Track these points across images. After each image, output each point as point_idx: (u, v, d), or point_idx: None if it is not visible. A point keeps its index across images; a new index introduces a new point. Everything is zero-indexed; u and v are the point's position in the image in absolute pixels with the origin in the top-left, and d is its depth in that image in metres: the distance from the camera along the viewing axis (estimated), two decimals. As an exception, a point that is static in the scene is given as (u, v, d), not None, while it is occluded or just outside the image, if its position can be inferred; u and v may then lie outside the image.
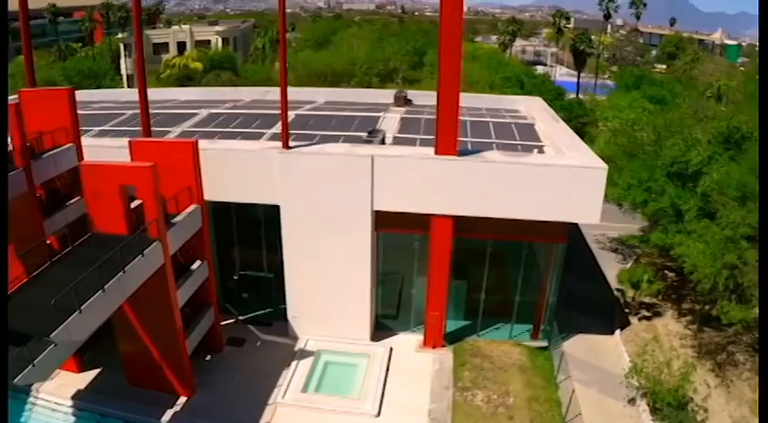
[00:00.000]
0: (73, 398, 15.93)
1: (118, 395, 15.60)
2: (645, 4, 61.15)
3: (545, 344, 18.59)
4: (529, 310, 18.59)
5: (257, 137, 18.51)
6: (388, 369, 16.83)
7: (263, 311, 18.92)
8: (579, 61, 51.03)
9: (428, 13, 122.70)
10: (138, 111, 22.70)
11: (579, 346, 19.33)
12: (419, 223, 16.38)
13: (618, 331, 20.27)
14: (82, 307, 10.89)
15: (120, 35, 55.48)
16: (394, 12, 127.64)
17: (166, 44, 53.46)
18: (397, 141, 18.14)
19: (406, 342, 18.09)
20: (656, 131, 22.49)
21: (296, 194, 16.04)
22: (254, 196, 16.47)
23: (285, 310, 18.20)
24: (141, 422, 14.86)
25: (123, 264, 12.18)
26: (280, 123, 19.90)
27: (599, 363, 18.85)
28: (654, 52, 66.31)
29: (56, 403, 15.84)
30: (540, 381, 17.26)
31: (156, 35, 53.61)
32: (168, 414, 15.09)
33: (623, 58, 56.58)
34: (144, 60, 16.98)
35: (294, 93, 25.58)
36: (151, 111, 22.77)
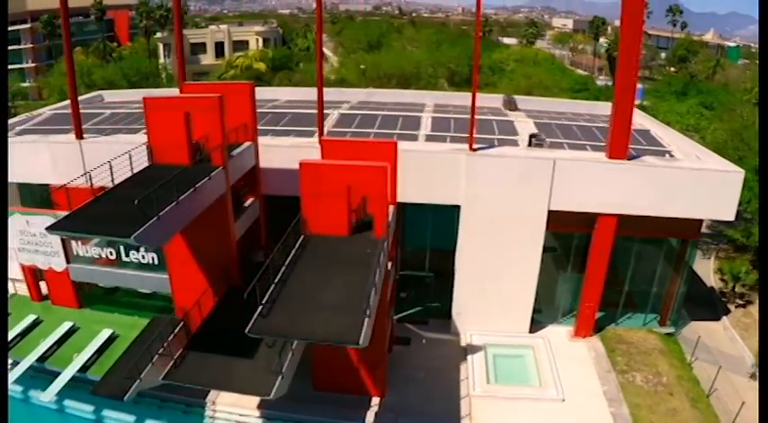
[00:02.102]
0: (259, 407, 15.80)
1: (306, 401, 15.59)
2: (681, 12, 64.69)
3: (671, 330, 20.28)
4: (660, 300, 20.22)
5: (412, 138, 19.17)
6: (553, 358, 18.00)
7: (414, 310, 19.62)
8: (614, 66, 53.38)
9: (424, 14, 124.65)
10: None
11: (696, 332, 21.21)
12: (582, 222, 17.63)
13: (724, 317, 22.32)
14: (368, 311, 10.87)
15: (159, 35, 53.74)
16: (392, 12, 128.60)
17: (203, 44, 52.41)
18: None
19: (556, 333, 19.26)
20: (737, 136, 24.76)
21: (478, 195, 16.91)
22: (436, 197, 17.17)
23: (441, 307, 19.04)
24: (345, 426, 15.05)
25: (377, 264, 12.48)
26: (425, 124, 20.84)
27: (716, 345, 20.80)
28: (663, 54, 70.19)
29: (240, 415, 15.73)
30: (677, 362, 18.99)
31: (193, 35, 52.33)
32: (370, 415, 15.40)
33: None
34: (322, 66, 17.25)
35: (399, 95, 26.48)
36: (276, 111, 23.15)
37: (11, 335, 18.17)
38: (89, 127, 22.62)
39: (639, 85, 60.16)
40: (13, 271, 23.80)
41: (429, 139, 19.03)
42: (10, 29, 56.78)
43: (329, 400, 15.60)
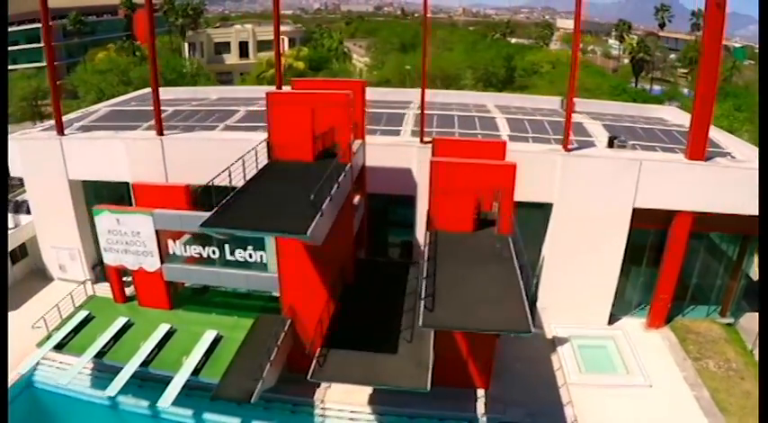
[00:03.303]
0: (370, 403, 16.11)
1: (414, 395, 14.92)
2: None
3: (731, 320, 21.49)
4: (720, 293, 21.40)
5: (495, 138, 19.91)
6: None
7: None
8: (636, 69, 55.25)
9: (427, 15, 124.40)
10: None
11: (751, 321, 22.54)
12: (658, 219, 18.65)
13: (774, 308, 23.70)
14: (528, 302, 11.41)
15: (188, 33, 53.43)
16: (394, 13, 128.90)
17: (228, 44, 52.28)
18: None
19: (630, 324, 20.31)
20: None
21: (571, 193, 17.83)
22: (531, 195, 17.84)
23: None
24: (456, 418, 15.55)
25: (516, 259, 13.05)
26: (502, 125, 21.62)
27: (770, 334, 22.20)
28: (672, 55, 72.03)
29: (351, 411, 16.00)
30: (740, 349, 20.23)
31: (217, 35, 52.14)
32: (479, 406, 15.99)
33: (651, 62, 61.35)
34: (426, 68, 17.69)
35: (459, 96, 27.19)
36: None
37: (104, 339, 17.51)
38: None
39: (657, 87, 62.60)
40: (75, 273, 23.79)
41: (512, 139, 19.79)
42: (29, 27, 55.96)
43: (436, 393, 14.98)
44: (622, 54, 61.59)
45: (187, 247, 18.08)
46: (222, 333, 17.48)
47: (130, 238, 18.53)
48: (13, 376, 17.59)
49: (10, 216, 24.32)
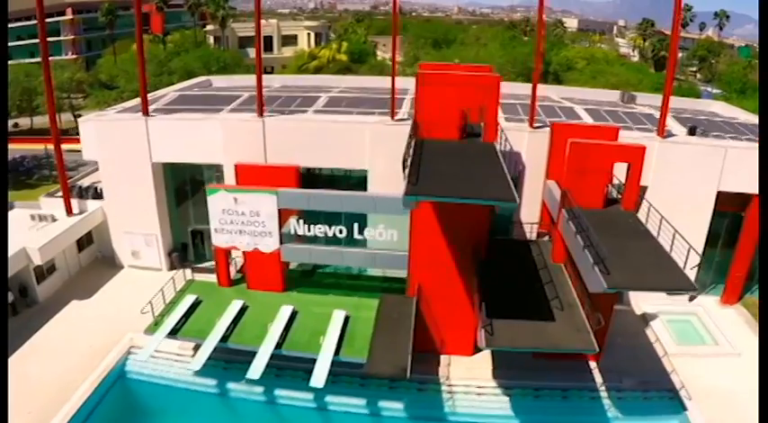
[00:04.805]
0: (495, 377, 16.87)
1: (534, 369, 16.68)
2: (728, 17, 69.52)
3: (794, 297, 23.25)
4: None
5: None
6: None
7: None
8: (658, 67, 57.64)
9: (425, 14, 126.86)
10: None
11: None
12: (735, 202, 20.15)
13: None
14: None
15: (209, 27, 53.10)
16: (391, 12, 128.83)
17: (252, 38, 52.35)
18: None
19: (706, 301, 21.72)
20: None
21: (665, 177, 19.19)
22: (629, 181, 19.13)
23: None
24: (578, 389, 16.67)
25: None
26: (582, 114, 22.73)
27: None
28: (680, 54, 74.69)
29: (477, 387, 16.73)
30: (805, 325, 22.01)
31: (242, 29, 52.04)
32: (597, 377, 17.10)
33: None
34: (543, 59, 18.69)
35: (524, 87, 28.10)
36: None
37: (224, 323, 16.92)
38: (237, 107, 22.94)
39: (675, 84, 65.10)
40: (150, 260, 23.42)
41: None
42: (48, 21, 54.21)
43: (553, 366, 16.58)
44: (632, 52, 64.36)
45: (311, 226, 17.94)
46: (349, 313, 17.43)
47: (248, 219, 18.12)
48: (107, 364, 17.38)
49: (75, 201, 23.68)
